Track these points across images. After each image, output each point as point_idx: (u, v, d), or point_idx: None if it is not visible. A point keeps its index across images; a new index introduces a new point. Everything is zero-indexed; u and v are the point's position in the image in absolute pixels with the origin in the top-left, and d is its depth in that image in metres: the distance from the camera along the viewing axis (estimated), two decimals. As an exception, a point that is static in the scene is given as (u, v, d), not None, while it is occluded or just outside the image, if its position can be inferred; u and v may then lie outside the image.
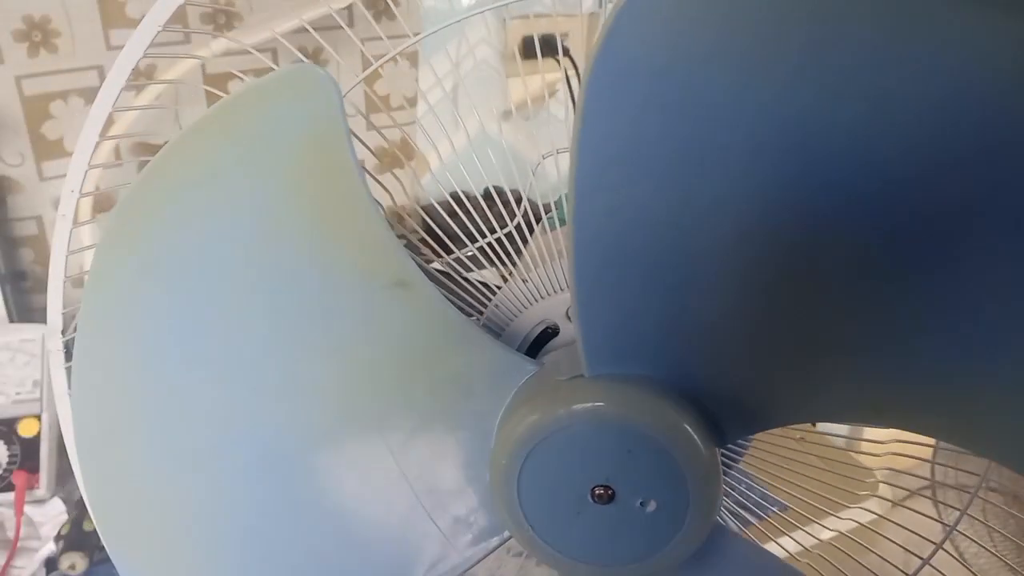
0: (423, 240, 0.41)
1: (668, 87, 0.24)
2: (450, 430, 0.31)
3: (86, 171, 0.38)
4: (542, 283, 0.38)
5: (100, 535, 0.36)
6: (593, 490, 0.28)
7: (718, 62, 0.24)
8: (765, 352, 0.27)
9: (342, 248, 0.30)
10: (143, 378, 0.33)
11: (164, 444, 0.33)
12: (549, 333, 0.38)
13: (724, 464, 0.39)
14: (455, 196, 0.41)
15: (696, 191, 0.25)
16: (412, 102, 0.78)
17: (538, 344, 0.39)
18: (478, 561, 0.33)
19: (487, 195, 0.41)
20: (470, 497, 0.32)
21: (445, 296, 0.31)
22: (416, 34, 0.39)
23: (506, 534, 0.31)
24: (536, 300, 0.38)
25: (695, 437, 0.27)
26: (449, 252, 0.41)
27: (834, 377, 0.27)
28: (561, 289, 0.38)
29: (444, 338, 0.31)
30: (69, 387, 0.41)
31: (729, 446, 0.39)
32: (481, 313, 0.40)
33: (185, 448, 0.33)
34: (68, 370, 0.42)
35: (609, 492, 0.28)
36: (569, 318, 0.37)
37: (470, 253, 0.40)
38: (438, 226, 0.41)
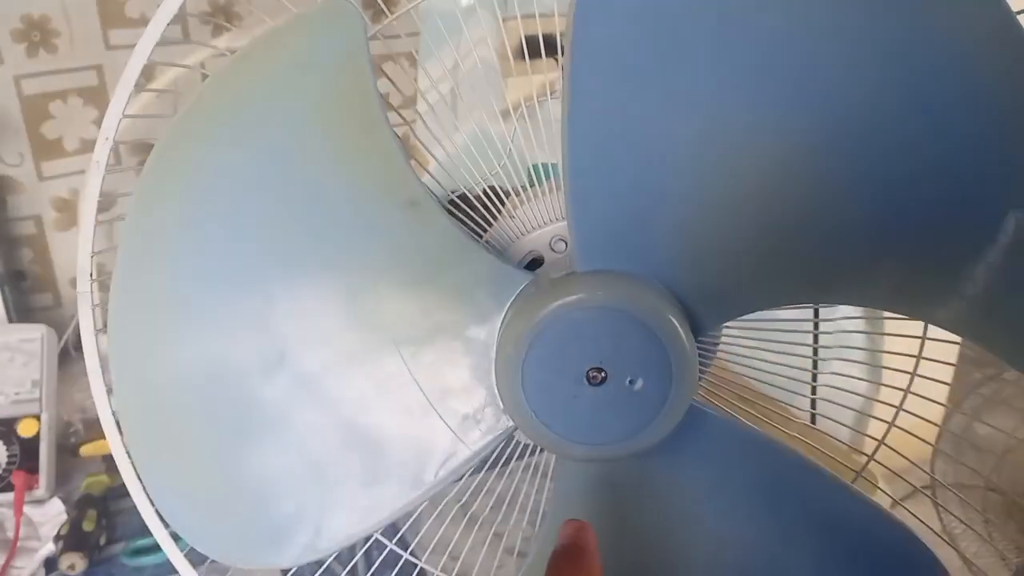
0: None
1: (646, 5, 0.28)
2: (456, 335, 0.34)
3: (120, 119, 0.41)
4: (528, 218, 0.41)
5: (128, 450, 0.38)
6: (588, 372, 0.31)
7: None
8: (732, 246, 0.31)
9: (362, 169, 0.34)
10: (178, 297, 0.36)
11: (196, 359, 0.36)
12: (535, 265, 0.41)
13: (702, 361, 0.41)
14: (456, 194, 0.41)
15: (671, 94, 0.29)
16: (411, 101, 0.78)
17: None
18: (487, 453, 0.35)
19: (486, 194, 0.42)
20: (476, 396, 0.34)
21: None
22: (414, 33, 0.39)
23: (511, 424, 0.34)
24: (524, 233, 0.41)
25: (674, 319, 0.31)
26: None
27: (788, 265, 0.32)
28: (546, 223, 0.41)
29: (449, 252, 0.34)
30: (95, 326, 0.42)
31: (702, 344, 0.41)
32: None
33: (217, 357, 0.35)
34: (95, 310, 0.43)
35: (602, 374, 0.31)
36: (553, 249, 0.41)
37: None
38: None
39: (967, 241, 0.30)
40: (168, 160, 0.36)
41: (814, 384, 0.48)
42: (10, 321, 0.75)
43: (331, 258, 0.34)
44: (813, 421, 0.54)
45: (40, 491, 0.66)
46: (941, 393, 0.44)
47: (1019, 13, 0.28)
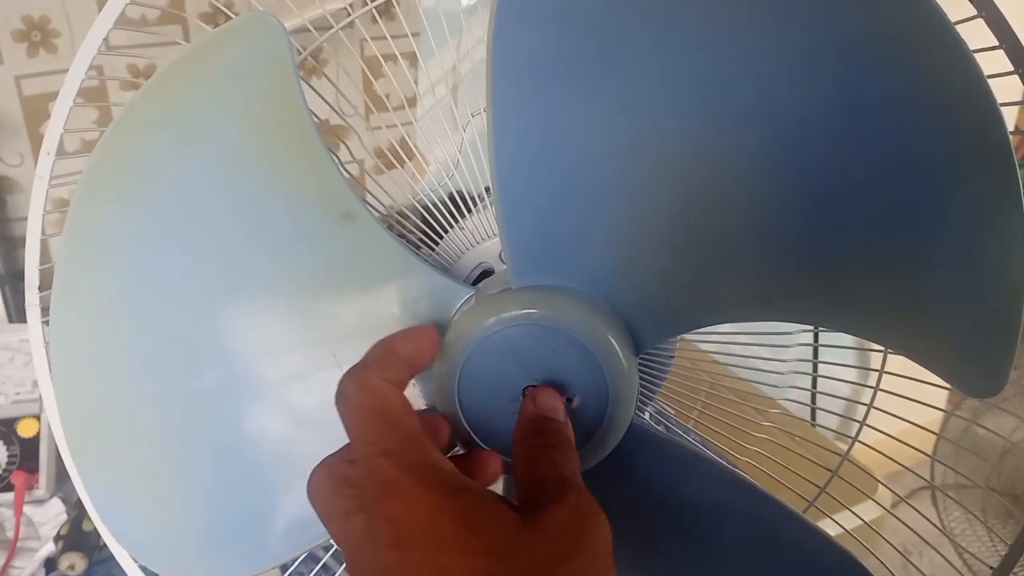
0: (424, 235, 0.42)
1: (569, 9, 0.28)
2: None
3: (61, 134, 0.41)
4: (477, 229, 0.41)
5: (73, 466, 0.37)
6: (524, 390, 0.31)
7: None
8: (670, 260, 0.31)
9: (296, 180, 0.33)
10: (118, 305, 0.35)
11: (136, 367, 0.35)
12: (486, 277, 0.40)
13: (653, 377, 0.41)
14: (453, 196, 0.41)
15: (595, 100, 0.28)
16: (411, 102, 0.78)
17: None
18: None
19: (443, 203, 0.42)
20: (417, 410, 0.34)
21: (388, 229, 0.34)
22: (415, 33, 0.39)
23: None
24: (473, 245, 0.41)
25: (610, 336, 0.30)
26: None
27: (728, 278, 0.31)
28: (494, 234, 0.40)
29: (387, 266, 0.33)
30: (45, 339, 0.42)
31: (653, 359, 0.41)
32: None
33: (156, 370, 0.35)
34: (44, 324, 0.43)
35: None
36: (502, 260, 0.40)
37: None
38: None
39: (911, 251, 0.29)
40: (103, 171, 0.35)
41: (814, 390, 0.48)
42: (10, 321, 0.75)
43: (271, 271, 0.34)
44: (813, 424, 0.54)
45: (40, 491, 0.66)
46: (940, 397, 0.44)
47: (958, 23, 0.27)
